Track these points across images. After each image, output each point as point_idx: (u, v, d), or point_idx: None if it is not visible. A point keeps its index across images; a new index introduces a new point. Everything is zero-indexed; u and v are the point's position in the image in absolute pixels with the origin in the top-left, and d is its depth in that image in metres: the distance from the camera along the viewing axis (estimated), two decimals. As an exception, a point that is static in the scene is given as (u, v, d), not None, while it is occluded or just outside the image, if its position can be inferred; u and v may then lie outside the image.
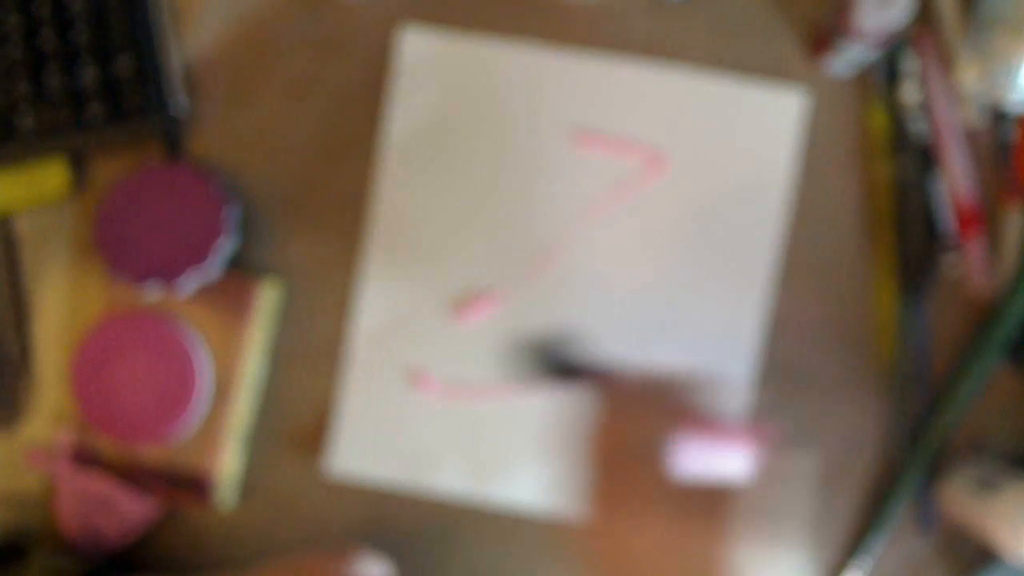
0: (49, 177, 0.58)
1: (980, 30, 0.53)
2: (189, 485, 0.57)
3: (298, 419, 0.59)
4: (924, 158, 0.56)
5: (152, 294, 0.57)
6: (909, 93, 0.56)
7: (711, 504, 0.43)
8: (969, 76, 0.53)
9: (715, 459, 0.44)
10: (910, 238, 0.56)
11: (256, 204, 0.59)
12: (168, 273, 0.55)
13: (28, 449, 0.59)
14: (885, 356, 0.57)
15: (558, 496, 0.58)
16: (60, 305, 0.59)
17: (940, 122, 0.56)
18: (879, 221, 0.57)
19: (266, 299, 0.57)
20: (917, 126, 0.56)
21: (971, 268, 0.56)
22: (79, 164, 0.59)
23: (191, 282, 0.56)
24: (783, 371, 0.57)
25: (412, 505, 0.59)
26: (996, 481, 0.52)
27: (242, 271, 0.58)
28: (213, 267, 0.56)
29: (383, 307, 0.59)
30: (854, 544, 0.57)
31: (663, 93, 0.58)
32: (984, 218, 0.56)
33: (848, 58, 0.54)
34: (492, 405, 0.58)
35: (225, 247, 0.56)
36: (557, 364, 0.49)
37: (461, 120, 0.58)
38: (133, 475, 0.57)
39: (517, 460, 0.58)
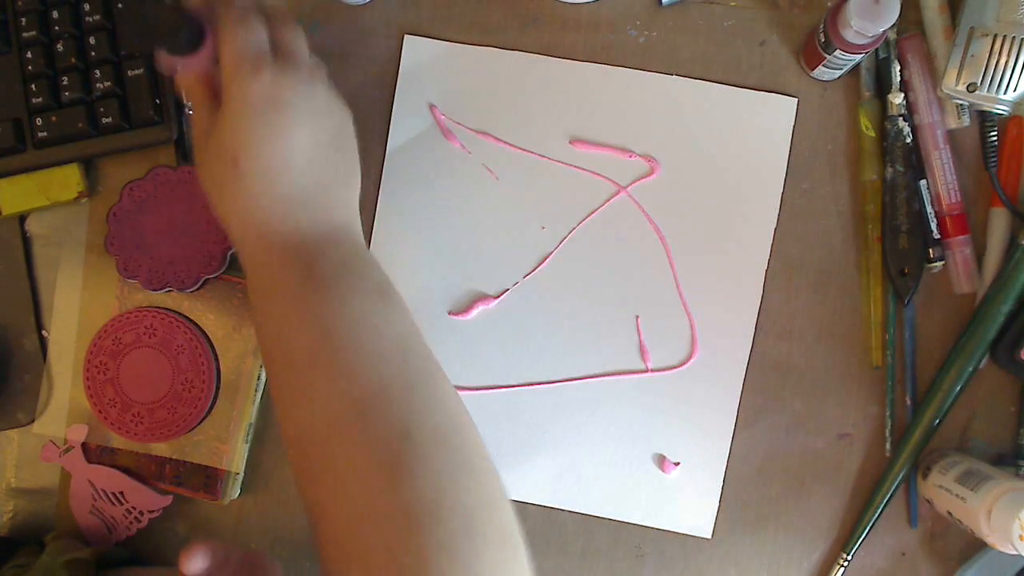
0: (62, 180, 0.59)
1: (965, 36, 0.54)
2: (198, 478, 0.58)
3: (303, 416, 0.60)
4: (911, 161, 0.57)
5: (162, 293, 0.58)
6: (896, 97, 0.57)
7: None
8: (954, 81, 0.54)
9: None
10: (898, 239, 0.57)
11: (263, 207, 0.60)
12: (179, 275, 0.57)
13: (43, 444, 0.60)
14: (874, 354, 0.58)
15: (557, 491, 0.59)
16: (73, 304, 0.60)
17: (925, 126, 0.57)
18: (868, 222, 0.58)
19: (272, 299, 0.59)
20: (904, 130, 0.57)
21: (957, 268, 0.57)
22: (91, 166, 0.60)
23: (201, 283, 0.57)
24: (775, 369, 0.59)
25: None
26: (980, 474, 0.53)
27: (249, 272, 0.60)
28: (223, 268, 0.57)
29: (386, 307, 0.60)
30: (844, 537, 0.58)
31: (659, 100, 0.59)
32: (969, 219, 0.57)
33: (837, 64, 0.55)
34: (491, 404, 0.59)
35: (235, 249, 0.57)
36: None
37: (461, 126, 0.60)
38: (143, 468, 0.59)
39: (516, 457, 0.59)
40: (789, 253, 0.59)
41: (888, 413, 0.58)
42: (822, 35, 0.54)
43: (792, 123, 0.58)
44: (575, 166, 0.59)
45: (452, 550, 0.39)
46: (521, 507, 0.59)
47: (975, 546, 0.58)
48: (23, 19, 0.58)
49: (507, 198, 0.60)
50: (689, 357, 0.59)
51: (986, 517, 0.51)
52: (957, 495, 0.53)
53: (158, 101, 0.58)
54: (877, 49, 0.56)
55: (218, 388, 0.58)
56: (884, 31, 0.51)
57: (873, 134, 0.57)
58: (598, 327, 0.59)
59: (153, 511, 0.59)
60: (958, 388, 0.56)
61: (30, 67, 0.58)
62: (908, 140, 0.57)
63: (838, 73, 0.57)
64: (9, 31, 0.58)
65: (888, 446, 0.58)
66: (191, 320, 0.58)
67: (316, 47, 0.60)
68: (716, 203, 0.59)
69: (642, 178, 0.59)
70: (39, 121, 0.58)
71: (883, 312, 0.58)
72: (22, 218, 0.61)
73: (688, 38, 0.59)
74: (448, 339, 0.59)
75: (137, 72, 0.58)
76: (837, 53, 0.53)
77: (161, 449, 0.58)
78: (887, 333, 0.58)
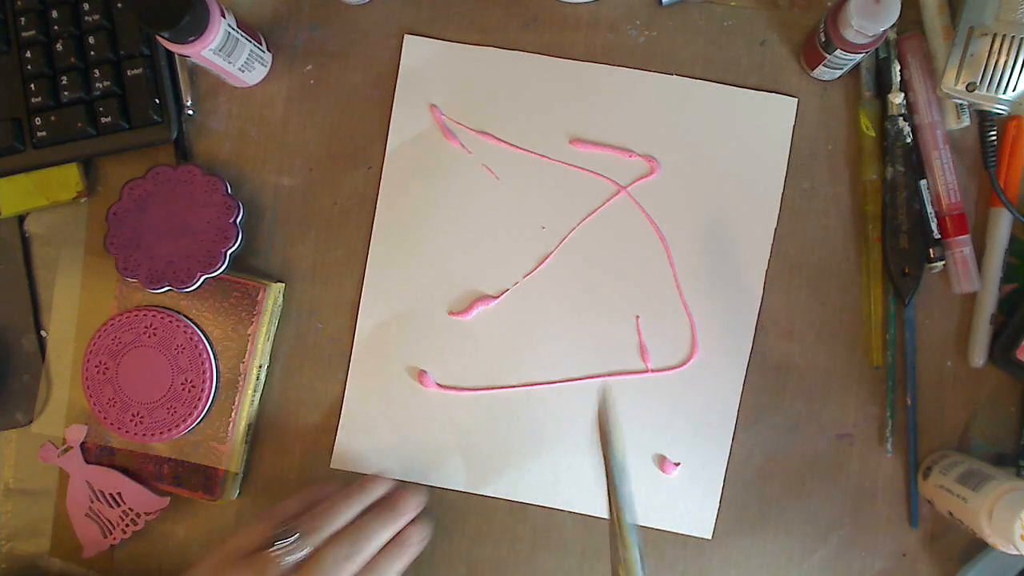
0: (62, 180, 0.59)
1: (964, 35, 0.54)
2: (197, 478, 0.58)
3: (302, 416, 0.60)
4: (911, 161, 0.57)
5: (161, 293, 0.58)
6: (896, 97, 0.57)
7: None
8: (954, 80, 0.54)
9: None
10: (898, 239, 0.57)
11: (263, 205, 0.60)
12: (178, 274, 0.57)
13: (41, 444, 0.60)
14: (874, 354, 0.58)
15: (556, 491, 0.59)
16: (72, 304, 0.60)
17: (926, 125, 0.57)
18: (868, 222, 0.58)
19: (272, 299, 0.59)
20: (904, 130, 0.57)
21: (957, 268, 0.57)
22: (91, 166, 0.61)
23: (200, 282, 0.57)
24: (775, 369, 0.59)
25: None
26: (981, 474, 0.53)
27: (249, 271, 0.60)
28: (222, 268, 0.57)
29: (385, 308, 0.60)
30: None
31: (659, 100, 0.59)
32: (969, 219, 0.57)
33: (837, 64, 0.55)
34: (491, 404, 0.59)
35: (234, 248, 0.57)
36: None
37: (461, 125, 0.60)
38: (142, 468, 0.59)
39: (516, 457, 0.59)
40: (789, 253, 0.59)
41: (888, 413, 0.58)
42: (822, 35, 0.54)
43: (792, 123, 0.58)
44: (575, 166, 0.59)
45: None
46: (521, 507, 0.59)
47: (976, 546, 0.58)
48: (22, 19, 0.58)
49: (507, 198, 0.60)
50: (689, 357, 0.59)
51: (987, 517, 0.51)
52: (958, 495, 0.53)
53: (158, 101, 0.58)
54: (877, 49, 0.56)
55: (217, 388, 0.58)
56: (884, 31, 0.51)
57: (873, 134, 0.57)
58: (598, 327, 0.59)
59: (150, 513, 0.58)
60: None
61: (29, 67, 0.58)
62: (908, 140, 0.57)
63: (838, 73, 0.57)
64: (9, 31, 0.58)
65: (889, 446, 0.58)
66: (190, 320, 0.58)
67: (316, 47, 0.60)
68: (716, 203, 0.59)
69: (642, 178, 0.59)
70: (38, 121, 0.58)
71: (883, 312, 0.58)
72: (21, 218, 0.61)
73: (688, 38, 0.59)
74: (448, 339, 0.59)
75: (137, 72, 0.58)
76: (837, 53, 0.54)
77: (160, 449, 0.58)
78: (887, 333, 0.58)
